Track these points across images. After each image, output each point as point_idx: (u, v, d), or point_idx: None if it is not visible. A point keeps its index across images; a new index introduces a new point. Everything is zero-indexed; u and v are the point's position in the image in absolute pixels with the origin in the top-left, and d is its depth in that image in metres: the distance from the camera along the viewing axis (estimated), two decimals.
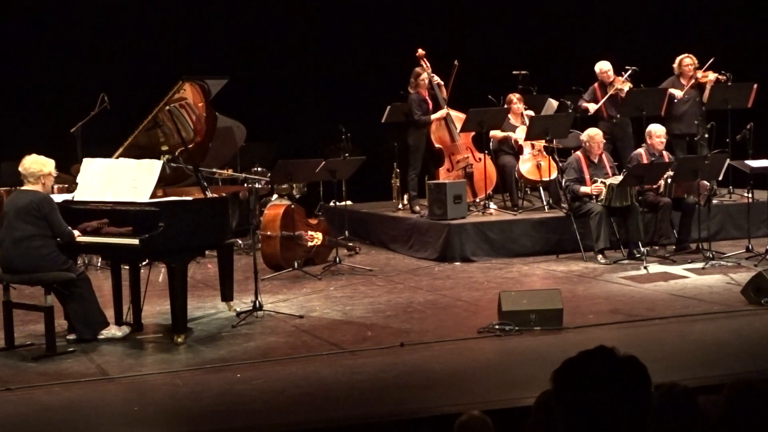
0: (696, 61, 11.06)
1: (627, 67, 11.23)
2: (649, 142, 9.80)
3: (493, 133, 10.99)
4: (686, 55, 11.09)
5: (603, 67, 11.32)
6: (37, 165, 6.82)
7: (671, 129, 10.64)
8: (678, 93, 10.99)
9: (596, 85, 11.37)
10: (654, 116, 10.70)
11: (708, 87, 10.88)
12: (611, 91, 11.13)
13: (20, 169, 6.86)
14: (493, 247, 10.06)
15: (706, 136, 10.74)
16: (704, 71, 10.96)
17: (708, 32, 12.46)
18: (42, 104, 12.03)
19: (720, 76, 10.86)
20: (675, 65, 11.17)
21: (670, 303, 7.63)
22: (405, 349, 6.46)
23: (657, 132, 9.80)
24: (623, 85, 11.10)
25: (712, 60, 10.93)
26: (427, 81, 10.87)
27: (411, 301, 8.10)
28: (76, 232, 6.78)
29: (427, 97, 10.89)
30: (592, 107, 11.23)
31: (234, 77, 7.74)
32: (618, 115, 11.10)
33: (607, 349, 2.34)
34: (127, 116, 8.50)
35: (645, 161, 9.66)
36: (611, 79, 11.24)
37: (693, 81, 10.99)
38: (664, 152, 9.88)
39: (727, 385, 2.99)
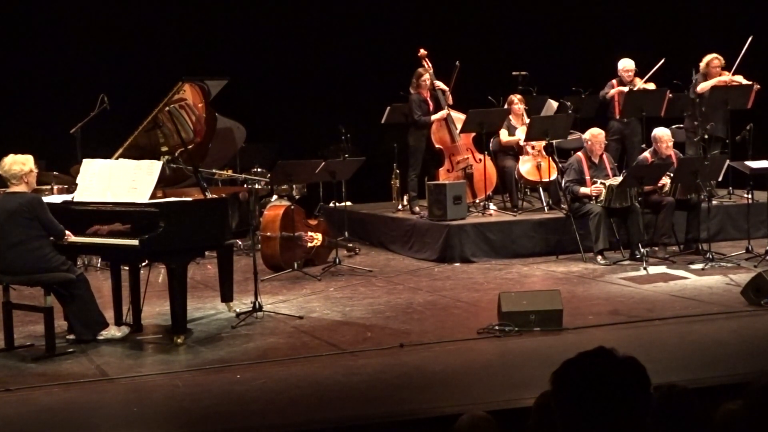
0: (723, 62, 10.80)
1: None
2: (655, 146, 9.67)
3: (505, 140, 10.98)
4: (714, 55, 10.79)
5: (626, 65, 11.20)
6: (17, 165, 6.69)
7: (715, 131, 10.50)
8: (708, 84, 10.68)
9: (614, 81, 11.26)
10: (654, 117, 10.70)
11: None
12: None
13: (0, 172, 6.75)
14: (492, 248, 10.05)
15: (706, 137, 10.71)
16: (733, 74, 10.78)
17: (708, 33, 12.45)
18: (42, 105, 12.02)
19: (748, 82, 10.74)
20: (702, 65, 10.85)
21: (669, 304, 7.62)
22: (405, 349, 6.45)
23: (664, 137, 9.65)
24: (645, 85, 10.98)
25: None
26: (428, 81, 10.85)
27: (411, 302, 8.10)
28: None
29: (428, 98, 10.89)
30: (612, 91, 11.10)
31: (234, 77, 7.73)
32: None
33: (606, 350, 2.34)
34: (127, 117, 8.50)
35: None
36: (631, 79, 11.17)
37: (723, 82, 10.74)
38: (673, 153, 9.72)
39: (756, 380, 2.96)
